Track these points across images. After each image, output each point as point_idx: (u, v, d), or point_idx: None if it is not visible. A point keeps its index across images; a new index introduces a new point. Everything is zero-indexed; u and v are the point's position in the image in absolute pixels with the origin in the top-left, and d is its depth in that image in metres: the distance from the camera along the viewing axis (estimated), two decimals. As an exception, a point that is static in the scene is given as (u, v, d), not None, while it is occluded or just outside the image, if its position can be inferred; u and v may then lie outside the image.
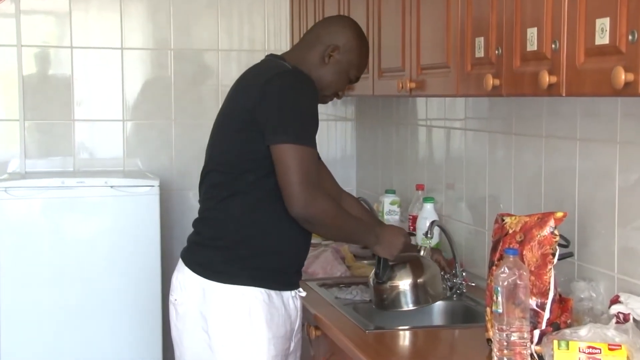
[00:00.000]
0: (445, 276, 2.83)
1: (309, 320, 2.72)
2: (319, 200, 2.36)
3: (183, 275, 2.52)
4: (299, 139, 2.34)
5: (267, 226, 2.44)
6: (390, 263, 2.60)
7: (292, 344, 2.56)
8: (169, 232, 4.07)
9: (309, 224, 2.42)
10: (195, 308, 2.47)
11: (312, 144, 2.39)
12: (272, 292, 2.46)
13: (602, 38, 1.68)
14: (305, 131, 2.37)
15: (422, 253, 2.70)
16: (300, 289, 2.58)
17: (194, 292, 2.48)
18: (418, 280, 2.60)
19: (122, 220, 3.77)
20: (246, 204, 2.44)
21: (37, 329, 3.68)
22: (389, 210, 3.62)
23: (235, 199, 2.45)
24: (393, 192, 3.68)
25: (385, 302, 2.63)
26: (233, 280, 2.43)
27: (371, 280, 2.67)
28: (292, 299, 2.53)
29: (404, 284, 2.60)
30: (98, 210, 3.75)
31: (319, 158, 2.72)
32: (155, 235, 3.78)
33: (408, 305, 2.61)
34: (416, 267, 2.63)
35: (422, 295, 2.61)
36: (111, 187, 3.76)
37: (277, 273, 2.48)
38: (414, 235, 2.86)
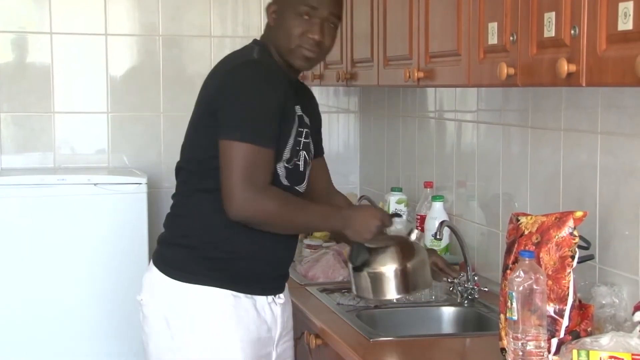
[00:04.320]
0: (448, 280, 2.80)
1: (309, 328, 2.73)
2: (257, 200, 2.35)
3: (150, 274, 2.56)
4: (245, 137, 2.34)
5: (235, 228, 2.43)
6: (371, 246, 2.49)
7: (274, 353, 2.56)
8: (158, 234, 4.06)
9: (252, 225, 2.40)
10: (159, 309, 2.51)
11: (263, 142, 2.36)
12: (241, 295, 2.47)
13: (626, 23, 1.68)
14: (255, 128, 2.36)
15: (412, 237, 2.59)
16: (280, 295, 2.56)
17: (158, 292, 2.52)
18: (404, 266, 2.49)
19: (106, 221, 3.77)
20: (213, 203, 2.42)
21: (14, 338, 3.68)
22: (396, 210, 3.63)
23: (201, 197, 2.49)
24: (400, 190, 3.69)
25: (365, 289, 2.52)
26: (197, 280, 2.45)
27: (348, 266, 2.57)
28: (268, 305, 2.52)
29: (386, 269, 2.48)
30: (80, 211, 3.75)
31: (322, 155, 2.73)
32: (142, 237, 3.79)
33: (392, 293, 2.49)
34: (401, 250, 2.51)
35: (407, 282, 2.49)
36: (95, 185, 3.76)
37: (249, 278, 2.48)
38: (400, 216, 2.72)
